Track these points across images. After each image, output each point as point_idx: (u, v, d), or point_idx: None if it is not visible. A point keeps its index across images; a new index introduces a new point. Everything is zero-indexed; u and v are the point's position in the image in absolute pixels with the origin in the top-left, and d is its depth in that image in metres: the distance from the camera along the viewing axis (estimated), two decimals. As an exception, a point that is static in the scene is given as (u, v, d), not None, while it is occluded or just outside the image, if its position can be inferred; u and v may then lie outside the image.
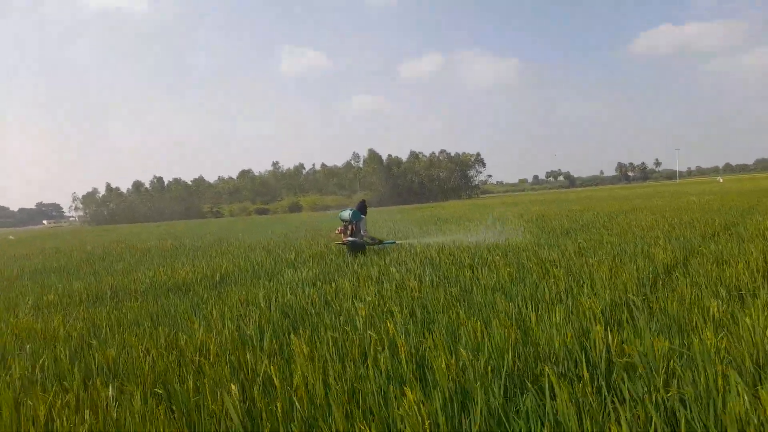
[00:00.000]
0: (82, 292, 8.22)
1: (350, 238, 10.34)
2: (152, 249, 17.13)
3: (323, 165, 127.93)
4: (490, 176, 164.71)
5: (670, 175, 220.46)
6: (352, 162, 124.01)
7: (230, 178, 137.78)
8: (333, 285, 6.90)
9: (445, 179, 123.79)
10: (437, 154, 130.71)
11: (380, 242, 11.10)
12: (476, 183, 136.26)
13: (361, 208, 10.65)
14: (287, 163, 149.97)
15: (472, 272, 7.00)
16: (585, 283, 5.56)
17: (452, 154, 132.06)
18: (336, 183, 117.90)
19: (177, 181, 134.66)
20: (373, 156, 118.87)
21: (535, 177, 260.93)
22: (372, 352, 3.78)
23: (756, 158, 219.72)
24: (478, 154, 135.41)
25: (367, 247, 10.54)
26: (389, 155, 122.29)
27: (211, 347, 4.22)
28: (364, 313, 4.93)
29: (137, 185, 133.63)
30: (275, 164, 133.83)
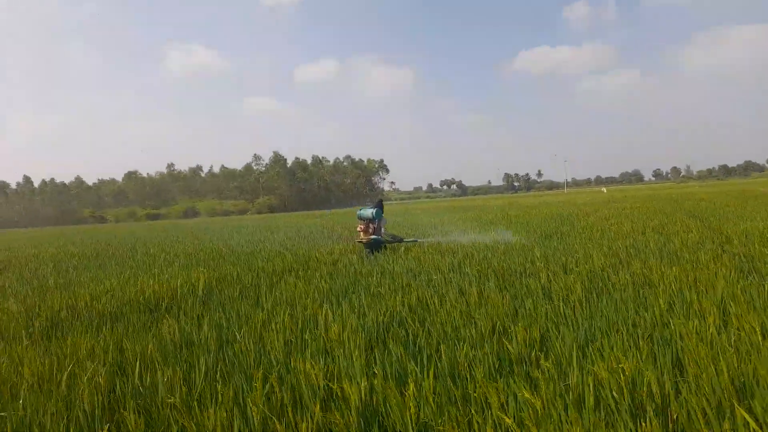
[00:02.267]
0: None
1: (373, 236, 10.38)
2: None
3: (223, 167, 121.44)
4: (393, 183, 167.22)
5: (550, 186, 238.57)
6: (254, 165, 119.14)
7: (113, 180, 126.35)
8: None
9: (350, 185, 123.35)
10: (341, 160, 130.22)
11: (401, 240, 11.22)
12: (382, 189, 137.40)
13: (380, 207, 10.67)
14: (182, 166, 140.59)
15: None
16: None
17: (356, 160, 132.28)
18: (237, 186, 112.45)
19: (49, 183, 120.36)
20: (278, 159, 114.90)
21: (430, 185, 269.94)
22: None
23: (621, 171, 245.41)
24: (382, 161, 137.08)
25: (385, 245, 10.60)
26: (296, 158, 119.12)
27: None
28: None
29: (1, 186, 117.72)
30: (170, 166, 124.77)
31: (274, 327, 4.73)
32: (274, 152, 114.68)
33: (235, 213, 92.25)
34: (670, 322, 3.94)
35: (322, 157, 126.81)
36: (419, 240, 11.77)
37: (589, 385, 2.73)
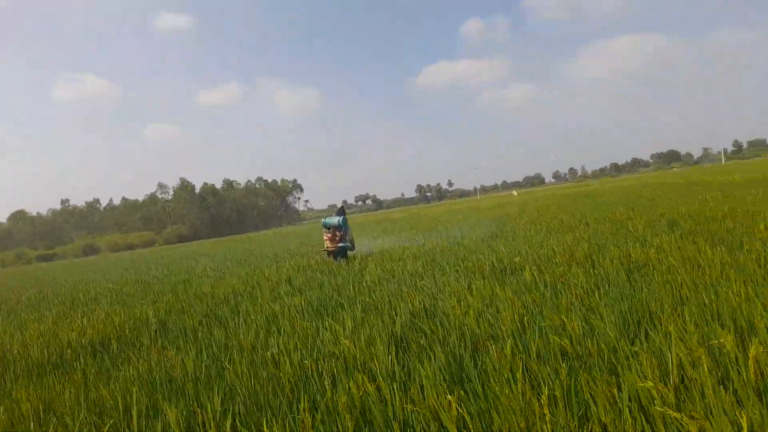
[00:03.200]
0: None
1: (340, 243, 10.45)
2: None
3: (124, 198, 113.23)
4: (307, 202, 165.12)
5: (461, 194, 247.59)
6: (158, 194, 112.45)
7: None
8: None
9: (264, 207, 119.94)
10: (254, 182, 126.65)
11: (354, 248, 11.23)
12: (298, 209, 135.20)
13: (343, 215, 10.62)
14: (78, 201, 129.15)
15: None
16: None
17: (269, 181, 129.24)
18: (140, 218, 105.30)
19: None
20: (185, 185, 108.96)
21: (344, 201, 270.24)
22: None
23: (524, 176, 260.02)
24: (295, 180, 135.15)
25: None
26: (204, 183, 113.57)
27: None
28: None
29: None
30: (64, 201, 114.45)
31: (278, 348, 4.09)
32: (181, 179, 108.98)
33: (141, 246, 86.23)
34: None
35: (233, 181, 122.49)
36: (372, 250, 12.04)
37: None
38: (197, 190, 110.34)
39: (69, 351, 5.52)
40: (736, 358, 2.59)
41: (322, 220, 10.75)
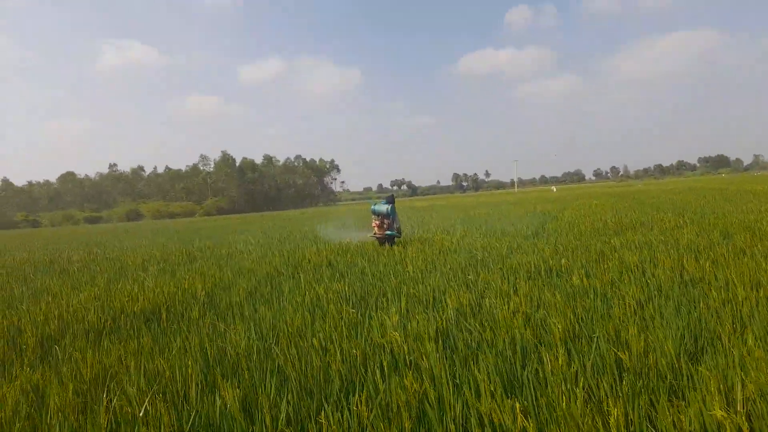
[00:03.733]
0: None
1: (388, 231, 10.70)
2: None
3: (167, 168, 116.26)
4: (343, 183, 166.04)
5: (497, 185, 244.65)
6: (200, 165, 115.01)
7: (47, 181, 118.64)
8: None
9: (302, 186, 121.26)
10: (293, 159, 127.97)
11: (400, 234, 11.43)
12: (334, 189, 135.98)
13: (392, 203, 10.82)
14: (124, 166, 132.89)
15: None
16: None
17: (308, 160, 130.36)
18: (183, 188, 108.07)
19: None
20: (227, 159, 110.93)
21: (380, 185, 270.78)
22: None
23: (563, 171, 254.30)
24: (333, 161, 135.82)
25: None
26: (244, 158, 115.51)
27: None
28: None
29: None
30: (112, 166, 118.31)
31: (325, 334, 4.16)
32: (223, 152, 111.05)
33: (182, 216, 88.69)
34: None
35: (273, 157, 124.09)
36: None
37: None
38: (237, 164, 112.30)
39: (123, 317, 5.75)
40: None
41: (372, 206, 10.94)
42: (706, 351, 3.30)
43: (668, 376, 2.88)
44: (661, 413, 2.39)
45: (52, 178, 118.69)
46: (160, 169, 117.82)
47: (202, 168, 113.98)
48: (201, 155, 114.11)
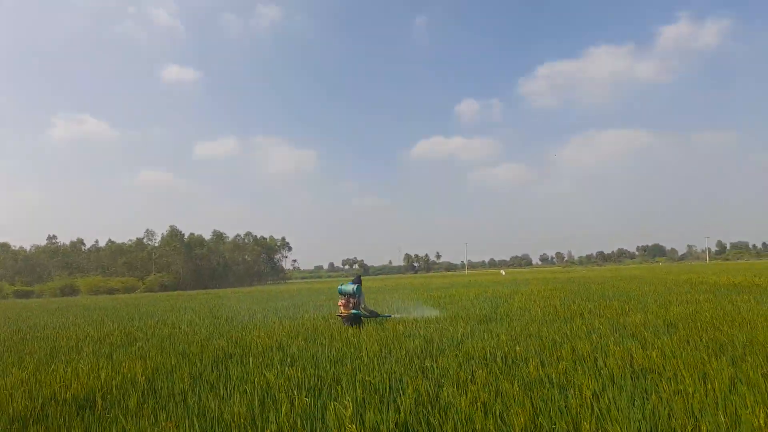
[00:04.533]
0: None
1: (353, 310, 10.73)
2: None
3: (110, 241, 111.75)
4: (295, 261, 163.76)
5: (448, 267, 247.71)
6: (145, 240, 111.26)
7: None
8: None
9: (251, 263, 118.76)
10: (242, 236, 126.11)
11: (378, 315, 11.45)
12: (284, 267, 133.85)
13: (359, 282, 10.95)
14: (64, 239, 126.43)
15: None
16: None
17: (258, 237, 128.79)
18: (125, 262, 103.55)
19: None
20: (174, 234, 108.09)
21: (331, 264, 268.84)
22: None
23: (511, 255, 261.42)
24: (284, 239, 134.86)
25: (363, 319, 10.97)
26: (191, 233, 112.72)
27: None
28: None
29: None
30: (51, 238, 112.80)
31: (277, 425, 3.92)
32: (171, 227, 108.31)
33: (122, 291, 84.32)
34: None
35: (222, 233, 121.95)
36: (393, 316, 12.17)
37: None
38: (185, 239, 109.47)
39: (53, 404, 5.26)
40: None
41: (339, 286, 11.10)
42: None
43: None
44: None
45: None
46: (102, 243, 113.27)
47: (147, 242, 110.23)
48: (147, 230, 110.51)
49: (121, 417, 4.67)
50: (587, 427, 3.54)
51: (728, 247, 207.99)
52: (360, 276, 11.65)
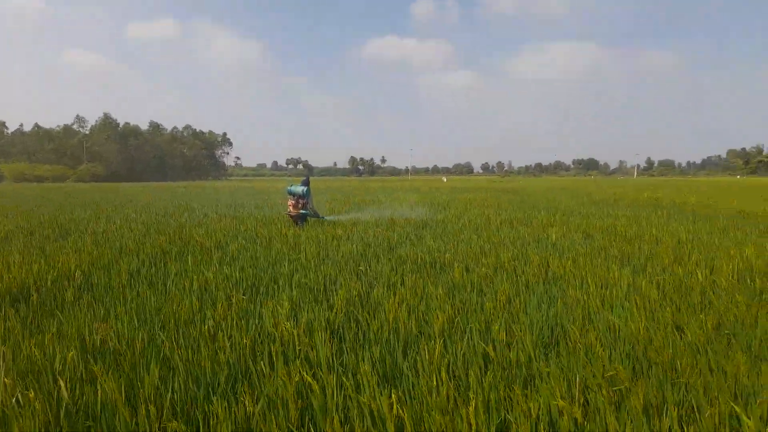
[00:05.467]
0: None
1: (302, 210, 11.47)
2: None
3: (36, 126, 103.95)
4: (238, 158, 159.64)
5: (392, 172, 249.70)
6: (76, 126, 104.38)
7: None
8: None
9: (190, 157, 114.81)
10: (180, 129, 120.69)
11: (320, 216, 12.51)
12: (226, 164, 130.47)
13: (307, 185, 11.60)
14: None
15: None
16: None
17: (197, 131, 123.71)
18: (53, 149, 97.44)
19: None
20: (108, 122, 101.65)
21: (275, 163, 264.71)
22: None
23: (454, 163, 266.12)
24: (225, 134, 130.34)
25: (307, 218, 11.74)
26: (126, 123, 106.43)
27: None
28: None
29: None
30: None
31: (214, 322, 4.16)
32: (105, 114, 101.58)
33: (51, 180, 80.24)
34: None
35: (159, 125, 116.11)
36: (336, 218, 13.25)
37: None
38: (120, 129, 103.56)
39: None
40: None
41: (287, 187, 11.76)
42: (558, 344, 3.82)
43: (525, 368, 3.31)
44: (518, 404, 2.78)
45: None
46: (27, 127, 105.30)
47: (77, 129, 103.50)
48: (77, 116, 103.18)
49: (57, 311, 4.76)
50: (496, 328, 3.98)
51: (656, 164, 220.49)
52: (308, 178, 12.15)
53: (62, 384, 3.02)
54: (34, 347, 3.67)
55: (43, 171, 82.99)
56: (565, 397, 2.84)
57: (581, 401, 2.83)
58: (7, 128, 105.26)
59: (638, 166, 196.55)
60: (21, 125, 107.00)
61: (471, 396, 2.82)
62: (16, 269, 6.37)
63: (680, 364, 3.30)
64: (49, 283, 5.86)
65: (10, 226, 11.86)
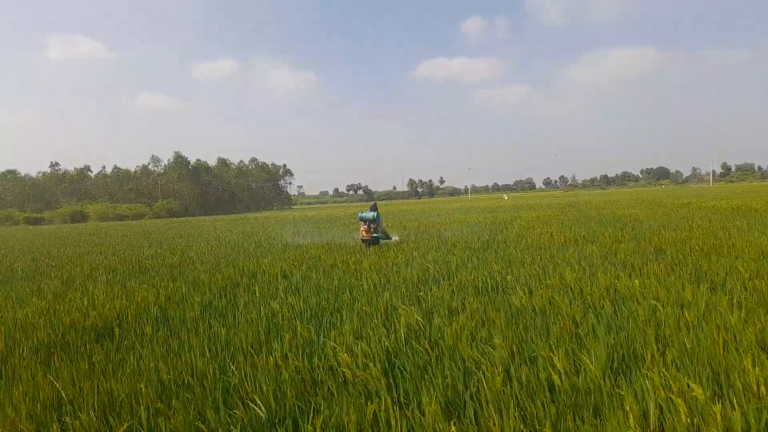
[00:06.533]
0: None
1: (375, 234, 12.41)
2: None
3: (116, 168, 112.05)
4: (300, 187, 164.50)
5: (452, 192, 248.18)
6: (151, 166, 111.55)
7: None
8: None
9: (256, 189, 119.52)
10: (247, 163, 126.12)
11: (390, 238, 13.62)
12: (290, 193, 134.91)
13: (375, 209, 12.54)
14: (67, 165, 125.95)
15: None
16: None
17: (261, 163, 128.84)
18: (131, 189, 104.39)
19: None
20: (180, 160, 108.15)
21: (336, 190, 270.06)
22: None
23: (515, 179, 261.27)
24: (285, 165, 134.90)
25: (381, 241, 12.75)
26: (198, 160, 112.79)
27: None
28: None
29: None
30: (53, 165, 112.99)
31: (282, 352, 4.29)
32: (176, 153, 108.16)
33: (130, 218, 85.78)
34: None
35: (226, 159, 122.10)
36: (397, 239, 14.07)
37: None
38: (191, 166, 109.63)
39: (72, 333, 5.69)
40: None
41: (360, 214, 12.55)
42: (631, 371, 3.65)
43: (594, 396, 3.19)
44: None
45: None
46: (108, 170, 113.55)
47: (153, 169, 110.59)
48: (152, 156, 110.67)
49: (137, 345, 5.07)
50: (562, 353, 3.86)
51: (733, 169, 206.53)
52: (376, 203, 13.12)
53: (143, 414, 3.21)
54: (115, 383, 3.92)
55: (123, 209, 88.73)
56: (639, 425, 2.71)
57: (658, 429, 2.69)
58: (90, 171, 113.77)
59: (713, 172, 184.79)
60: (104, 167, 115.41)
61: (537, 428, 2.75)
62: (100, 305, 6.84)
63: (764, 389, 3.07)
64: (129, 318, 6.26)
65: (94, 264, 12.75)
